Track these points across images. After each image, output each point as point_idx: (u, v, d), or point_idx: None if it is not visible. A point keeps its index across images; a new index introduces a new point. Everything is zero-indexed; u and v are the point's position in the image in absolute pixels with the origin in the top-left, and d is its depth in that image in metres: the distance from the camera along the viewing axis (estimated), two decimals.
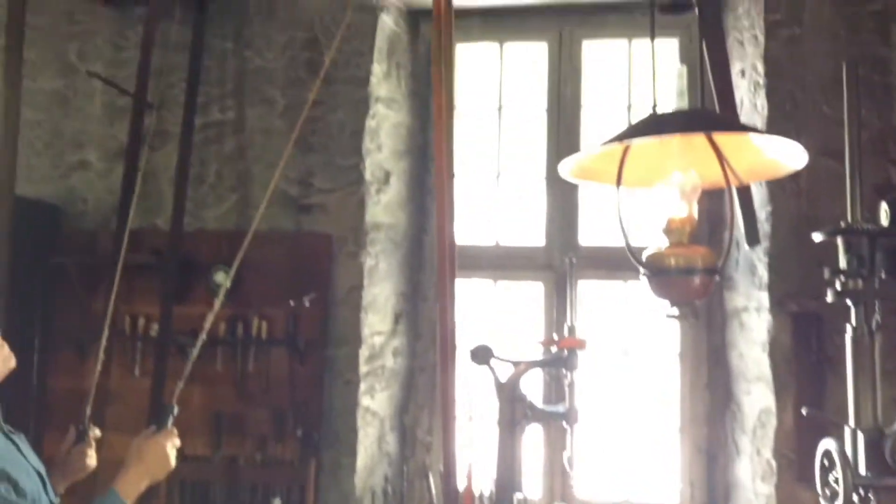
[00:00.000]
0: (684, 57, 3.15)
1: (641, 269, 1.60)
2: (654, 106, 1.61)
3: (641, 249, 1.64)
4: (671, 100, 1.76)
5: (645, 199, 1.78)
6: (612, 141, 1.52)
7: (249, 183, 3.15)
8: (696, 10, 1.99)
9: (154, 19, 2.96)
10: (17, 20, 2.95)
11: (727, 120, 1.82)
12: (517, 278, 3.28)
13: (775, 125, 2.82)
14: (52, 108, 3.33)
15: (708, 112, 1.81)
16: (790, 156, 1.62)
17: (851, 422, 1.93)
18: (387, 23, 3.19)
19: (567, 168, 1.69)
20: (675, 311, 1.61)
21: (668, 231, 1.63)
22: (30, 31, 3.08)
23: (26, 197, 3.12)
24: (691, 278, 1.58)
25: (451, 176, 2.45)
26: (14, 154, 2.90)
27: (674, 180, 1.62)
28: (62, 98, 3.32)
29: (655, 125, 1.54)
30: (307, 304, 2.90)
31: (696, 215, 1.64)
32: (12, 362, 1.55)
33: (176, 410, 2.10)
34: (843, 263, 2.15)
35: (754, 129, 1.76)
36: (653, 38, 1.60)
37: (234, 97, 3.20)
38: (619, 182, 1.64)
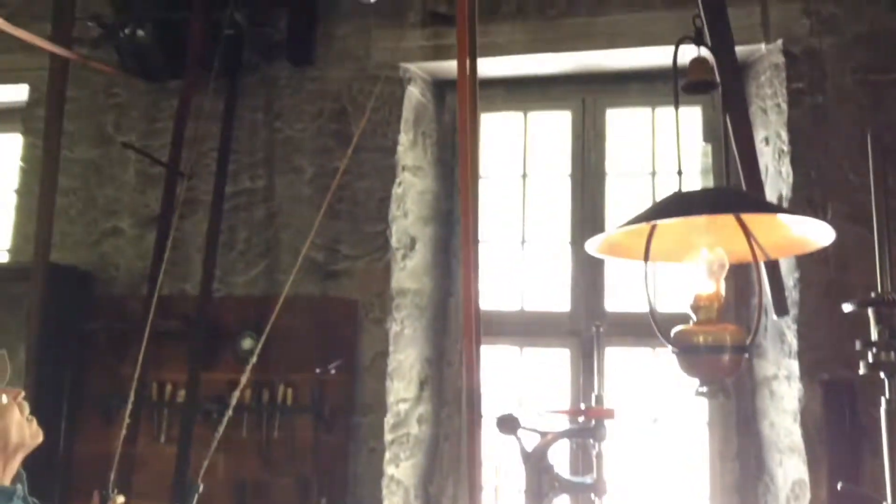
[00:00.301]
0: (707, 123, 3.18)
1: (670, 347, 1.59)
2: (680, 183, 1.62)
3: (669, 316, 1.63)
4: (695, 165, 1.77)
5: (672, 271, 1.79)
6: (638, 221, 1.53)
7: (277, 249, 3.19)
8: (720, 88, 2.02)
9: (188, 92, 3.05)
10: (58, 93, 3.06)
11: (755, 199, 1.83)
12: (543, 345, 3.26)
13: (801, 192, 2.83)
14: (87, 177, 3.42)
15: (735, 190, 1.82)
16: (817, 232, 1.61)
17: (889, 498, 1.89)
18: (413, 94, 3.27)
19: (594, 246, 1.70)
20: (705, 389, 1.60)
21: (696, 308, 1.62)
22: (69, 104, 3.19)
23: (59, 264, 3.19)
24: (720, 356, 1.57)
25: (477, 241, 2.47)
26: (50, 223, 2.97)
27: (701, 258, 1.62)
28: (97, 167, 3.42)
29: (683, 204, 1.55)
30: (332, 371, 2.90)
31: (723, 292, 1.63)
32: (40, 437, 1.57)
33: (201, 488, 2.09)
34: (874, 335, 2.13)
35: (782, 210, 1.77)
36: (678, 128, 1.62)
37: (264, 166, 3.27)
38: (646, 258, 1.65)
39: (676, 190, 1.66)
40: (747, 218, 1.59)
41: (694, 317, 1.63)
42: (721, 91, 2.09)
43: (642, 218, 1.55)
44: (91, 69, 3.25)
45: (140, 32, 3.07)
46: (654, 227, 1.61)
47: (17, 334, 2.99)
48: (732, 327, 1.59)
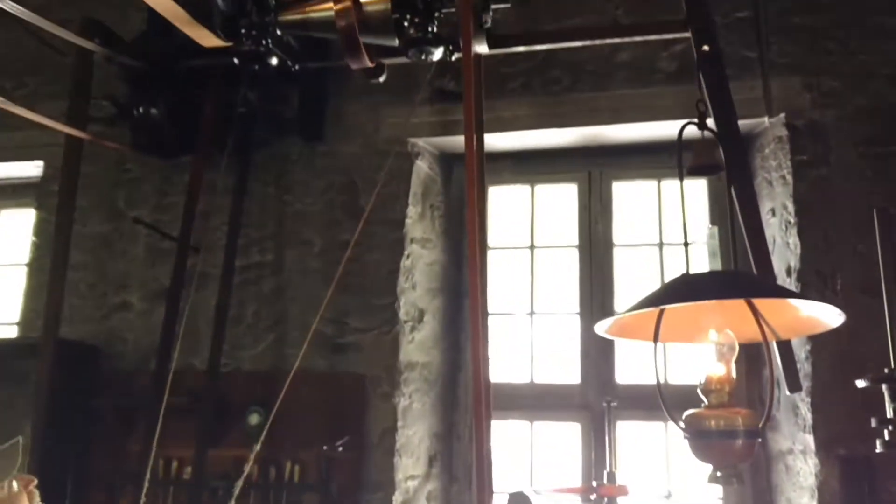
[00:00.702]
0: (713, 196, 3.20)
1: (682, 433, 1.57)
2: (687, 261, 1.63)
3: (683, 390, 1.61)
4: (702, 236, 1.76)
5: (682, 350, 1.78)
6: (647, 305, 1.53)
7: (285, 323, 3.20)
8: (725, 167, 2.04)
9: (200, 169, 3.10)
10: (72, 170, 3.11)
11: (763, 283, 1.83)
12: (553, 418, 3.22)
13: (809, 264, 2.83)
14: (98, 251, 3.45)
15: (744, 274, 1.82)
16: (827, 313, 1.61)
17: None
18: (422, 167, 3.31)
19: (604, 327, 1.69)
20: (719, 474, 1.57)
21: (707, 391, 1.61)
22: (82, 179, 3.23)
23: (67, 339, 3.19)
24: (733, 442, 1.55)
25: (485, 313, 2.47)
26: (60, 299, 2.98)
27: (710, 339, 1.62)
28: (109, 241, 3.46)
29: (691, 288, 1.55)
30: (340, 448, 2.87)
31: (734, 375, 1.62)
32: None
33: None
34: (889, 412, 2.10)
35: (791, 294, 1.76)
36: (684, 211, 1.64)
37: (274, 239, 3.30)
38: (655, 341, 1.64)
39: (684, 271, 1.66)
40: (757, 300, 1.59)
41: (705, 400, 1.61)
42: (726, 169, 2.11)
43: (650, 302, 1.55)
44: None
45: (153, 111, 3.14)
46: (662, 310, 1.60)
47: (23, 411, 2.97)
48: (745, 411, 1.57)
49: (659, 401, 1.64)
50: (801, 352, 2.79)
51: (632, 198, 3.37)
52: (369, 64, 2.42)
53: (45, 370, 2.92)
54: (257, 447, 2.48)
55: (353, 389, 3.05)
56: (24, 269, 3.61)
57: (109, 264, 3.43)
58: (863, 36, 2.98)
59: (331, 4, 2.42)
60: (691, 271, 1.65)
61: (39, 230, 3.57)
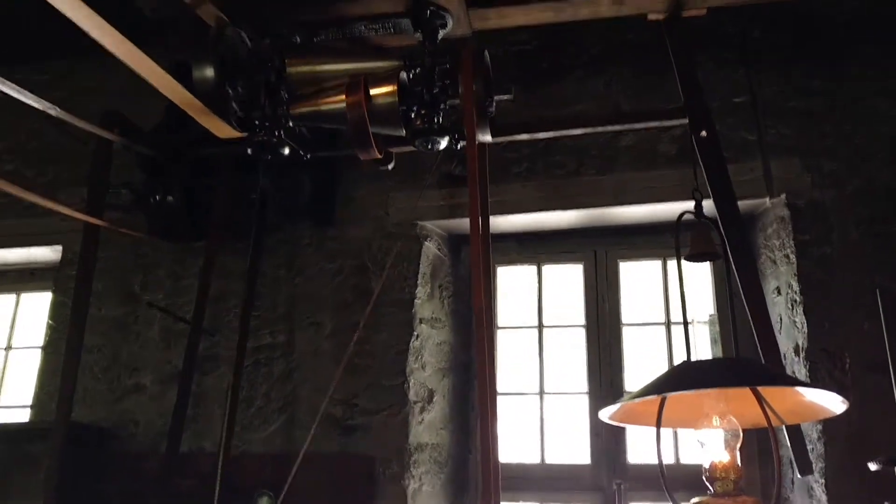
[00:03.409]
0: (717, 275, 3.22)
1: None
2: (688, 353, 1.65)
3: (694, 469, 1.61)
4: (707, 313, 1.77)
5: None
6: (650, 392, 1.55)
7: (295, 405, 3.21)
8: (726, 249, 2.08)
9: (213, 254, 3.17)
10: (89, 254, 3.18)
11: (766, 371, 1.85)
12: (564, 500, 3.18)
13: (816, 342, 2.83)
14: (112, 335, 3.50)
15: (746, 361, 1.84)
16: (830, 401, 1.62)
17: None
18: (430, 249, 3.37)
19: (608, 414, 1.71)
20: None
21: (713, 479, 1.61)
22: (99, 263, 3.30)
23: (79, 422, 3.21)
24: None
25: (494, 394, 2.48)
26: (73, 382, 3.01)
27: (714, 428, 1.63)
28: (123, 325, 3.50)
29: (694, 375, 1.57)
30: None
31: (739, 462, 1.63)
32: None
33: None
34: None
35: (793, 382, 1.78)
36: (683, 299, 1.67)
37: (285, 321, 3.34)
38: (658, 427, 1.65)
39: (687, 355, 1.69)
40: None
41: (710, 488, 1.61)
42: (727, 253, 2.15)
43: (654, 389, 1.58)
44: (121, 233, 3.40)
45: (169, 198, 3.24)
46: (664, 397, 1.63)
47: (33, 494, 2.97)
48: (751, 500, 1.57)
49: (671, 479, 1.64)
50: (812, 432, 2.77)
51: (638, 277, 3.41)
52: (377, 156, 2.51)
53: (56, 454, 2.93)
54: None
55: (362, 471, 3.03)
56: (40, 353, 3.65)
57: (124, 347, 3.47)
58: (856, 119, 3.07)
59: (342, 97, 2.53)
60: (696, 353, 1.68)
61: (56, 313, 3.64)
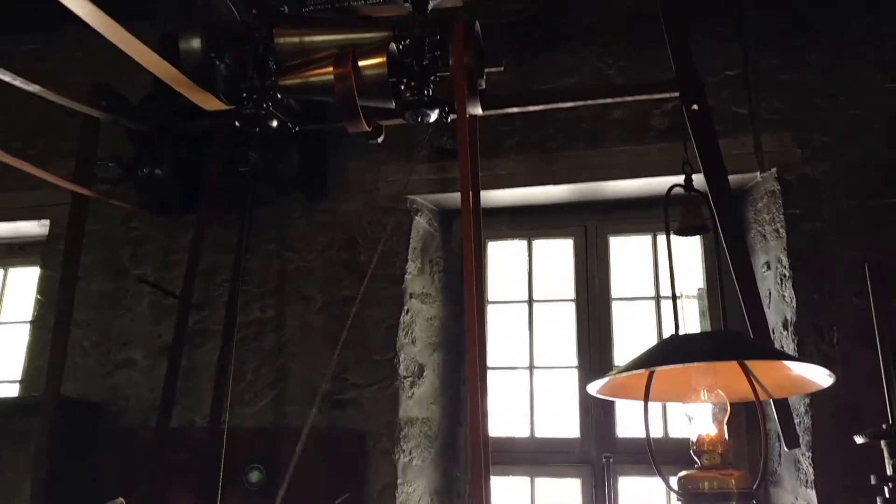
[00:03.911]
0: (707, 248, 3.22)
1: (675, 496, 1.58)
2: (677, 328, 1.65)
3: (684, 442, 1.62)
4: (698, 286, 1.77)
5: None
6: (639, 366, 1.55)
7: (286, 380, 3.21)
8: (716, 223, 2.07)
9: (203, 228, 3.15)
10: (78, 228, 3.16)
11: (754, 345, 1.85)
12: (554, 474, 3.20)
13: (805, 317, 2.84)
14: (102, 309, 3.48)
15: (735, 335, 1.84)
16: (818, 374, 1.63)
17: None
18: (421, 223, 3.36)
19: (596, 388, 1.71)
20: None
21: (700, 452, 1.62)
22: (87, 237, 3.28)
23: (69, 397, 3.20)
24: None
25: (485, 368, 2.48)
26: (63, 356, 3.00)
27: (702, 401, 1.63)
28: (113, 299, 3.49)
29: (682, 349, 1.57)
30: None
31: (726, 436, 1.63)
32: None
33: None
34: (889, 469, 2.10)
35: (782, 356, 1.78)
36: (672, 272, 1.67)
37: (275, 296, 3.33)
38: (646, 401, 1.65)
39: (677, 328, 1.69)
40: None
41: (697, 461, 1.62)
42: (717, 227, 2.15)
43: (642, 363, 1.58)
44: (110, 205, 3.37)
45: (158, 171, 3.21)
46: (652, 371, 1.63)
47: (23, 470, 2.98)
48: (738, 473, 1.58)
49: (660, 452, 1.65)
50: (800, 406, 2.79)
51: (628, 252, 3.40)
52: (366, 128, 2.49)
53: (46, 428, 2.93)
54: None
55: (352, 446, 3.04)
56: (28, 327, 3.63)
57: (113, 322, 3.46)
58: (851, 91, 3.04)
59: (330, 69, 2.50)
60: (685, 327, 1.68)
61: (44, 288, 3.61)
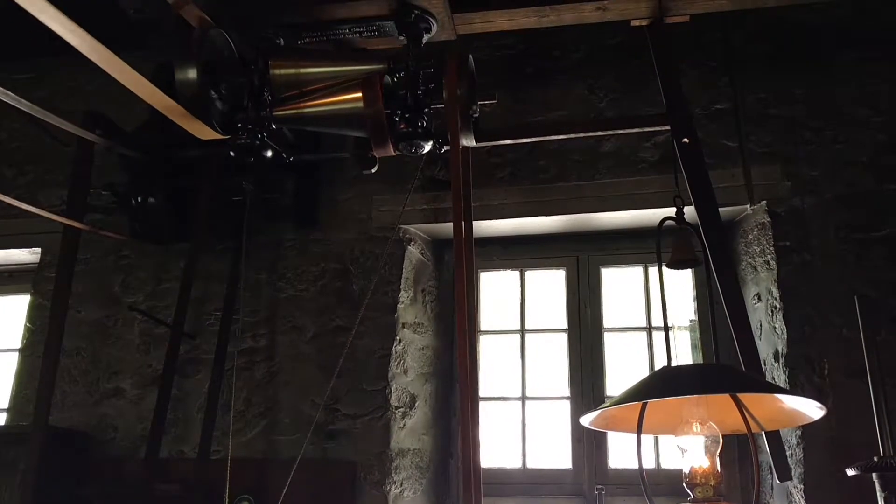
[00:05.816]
0: (698, 280, 3.24)
1: None
2: (669, 359, 1.66)
3: (676, 474, 1.61)
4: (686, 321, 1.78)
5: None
6: (630, 399, 1.56)
7: (276, 409, 3.19)
8: (708, 257, 2.09)
9: (194, 255, 3.15)
10: (69, 256, 3.14)
11: (746, 378, 1.86)
12: None
13: (796, 348, 2.85)
14: (92, 338, 3.46)
15: (727, 367, 1.85)
16: (809, 407, 1.63)
17: None
18: (413, 253, 3.37)
19: (588, 420, 1.71)
20: None
21: (693, 484, 1.62)
22: (79, 265, 3.27)
23: (57, 427, 3.17)
24: None
25: (476, 398, 2.47)
26: (52, 385, 2.97)
27: (694, 433, 1.64)
28: (102, 328, 3.46)
29: (673, 381, 1.58)
30: None
31: (719, 468, 1.63)
32: None
33: None
34: (880, 502, 2.10)
35: (772, 389, 1.79)
36: (664, 304, 1.68)
37: (267, 325, 3.32)
38: (639, 433, 1.66)
39: (667, 361, 1.69)
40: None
41: (690, 493, 1.62)
42: (708, 259, 2.17)
43: (635, 395, 1.58)
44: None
45: (151, 199, 3.21)
46: (644, 404, 1.63)
47: (10, 500, 2.94)
48: None
49: (654, 479, 1.65)
50: (792, 438, 2.79)
51: (620, 282, 3.42)
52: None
53: (34, 458, 2.89)
54: None
55: (343, 477, 3.02)
56: (17, 355, 3.60)
57: (103, 350, 3.43)
58: (837, 125, 3.10)
59: (325, 101, 2.53)
60: (677, 359, 1.69)
61: (34, 316, 3.59)
